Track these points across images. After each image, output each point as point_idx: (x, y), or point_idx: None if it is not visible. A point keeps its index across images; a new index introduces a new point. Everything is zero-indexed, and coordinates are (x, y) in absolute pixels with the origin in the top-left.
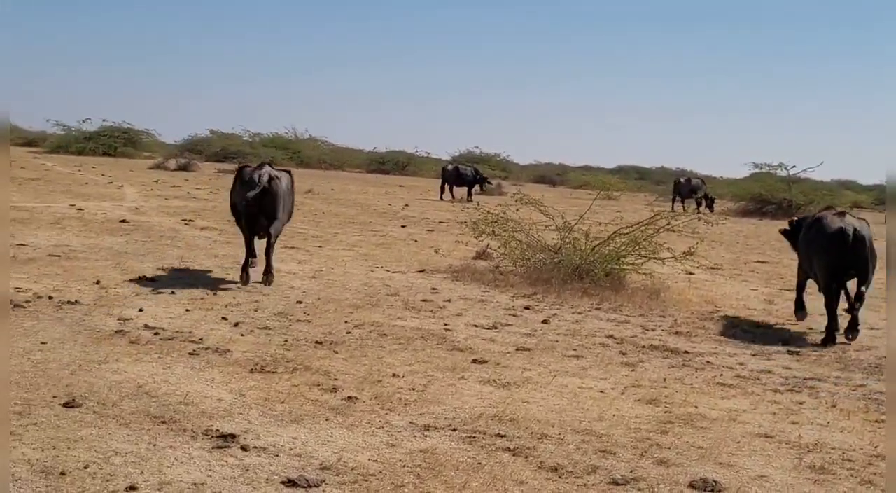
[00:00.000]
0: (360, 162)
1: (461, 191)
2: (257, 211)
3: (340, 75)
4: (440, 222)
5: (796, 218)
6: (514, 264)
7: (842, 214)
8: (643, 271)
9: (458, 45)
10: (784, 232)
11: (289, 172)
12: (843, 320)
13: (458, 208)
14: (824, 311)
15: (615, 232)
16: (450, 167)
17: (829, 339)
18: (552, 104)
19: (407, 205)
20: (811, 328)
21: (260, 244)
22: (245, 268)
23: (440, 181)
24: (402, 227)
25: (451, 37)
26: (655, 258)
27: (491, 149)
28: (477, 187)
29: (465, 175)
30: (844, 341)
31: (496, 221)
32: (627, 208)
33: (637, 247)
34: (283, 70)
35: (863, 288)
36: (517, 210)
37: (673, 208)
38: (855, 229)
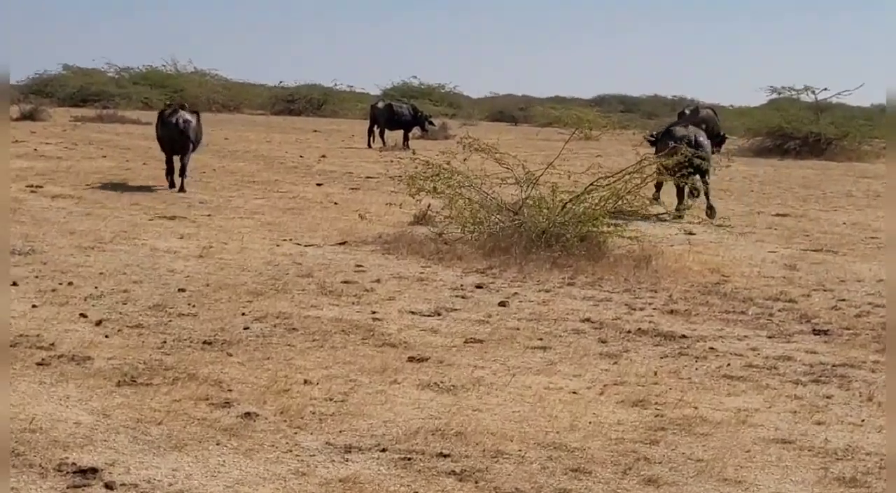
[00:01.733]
0: (262, 101)
1: (395, 135)
2: (175, 145)
3: None
4: (367, 178)
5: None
6: (463, 230)
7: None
8: (628, 233)
9: None
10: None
11: (196, 113)
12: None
13: (391, 159)
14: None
15: (591, 184)
16: (380, 105)
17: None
18: (511, 19)
19: (324, 156)
20: (843, 300)
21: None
22: (170, 179)
23: (367, 124)
24: (318, 185)
25: None
26: (643, 216)
27: (433, 79)
28: (416, 130)
29: (399, 115)
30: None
31: (438, 175)
32: (610, 151)
33: (620, 202)
34: None
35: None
36: (465, 159)
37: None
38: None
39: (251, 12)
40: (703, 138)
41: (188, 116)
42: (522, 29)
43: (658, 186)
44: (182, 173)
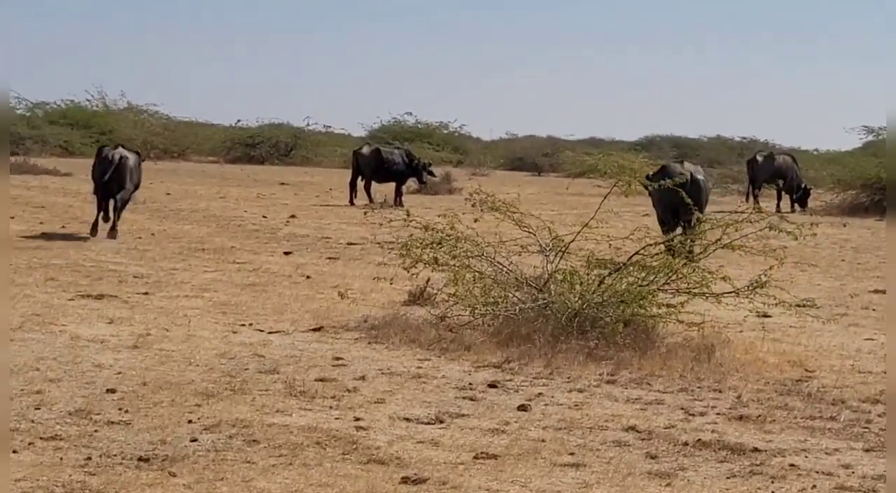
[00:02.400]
0: (214, 145)
1: (384, 189)
2: (110, 183)
3: (178, 10)
4: (349, 245)
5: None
6: (472, 313)
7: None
8: (685, 316)
9: None
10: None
11: (138, 153)
12: None
13: (379, 220)
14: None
15: (637, 252)
16: (365, 150)
17: None
18: (532, 40)
19: (293, 216)
20: None
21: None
22: (95, 225)
23: (349, 174)
24: (286, 254)
25: None
26: (705, 294)
27: (434, 116)
28: (411, 182)
29: (389, 163)
30: None
31: (440, 242)
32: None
33: (675, 277)
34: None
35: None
36: (476, 220)
37: (749, 200)
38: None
39: (199, 33)
40: (701, 177)
41: (127, 153)
42: (546, 53)
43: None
44: (116, 213)
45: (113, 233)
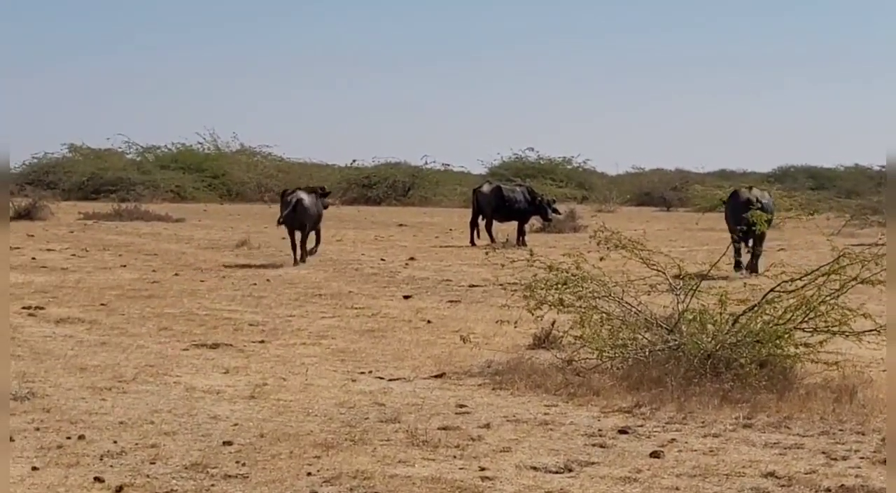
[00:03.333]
0: (330, 186)
1: (506, 228)
2: (291, 222)
3: (290, 49)
4: (470, 287)
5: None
6: (600, 356)
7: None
8: (824, 355)
9: None
10: None
11: (317, 192)
12: None
13: (501, 261)
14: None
15: (772, 290)
16: (485, 188)
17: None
18: (655, 68)
19: (412, 258)
20: None
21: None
22: (294, 258)
23: (469, 214)
24: (405, 298)
25: None
26: (845, 332)
27: (556, 151)
28: (534, 220)
29: (511, 201)
30: None
31: (565, 282)
32: (797, 244)
33: (813, 315)
34: (193, 41)
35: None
36: (602, 259)
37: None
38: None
39: (312, 70)
40: (766, 201)
41: (303, 195)
42: (672, 83)
43: (737, 251)
44: (302, 246)
45: (315, 248)
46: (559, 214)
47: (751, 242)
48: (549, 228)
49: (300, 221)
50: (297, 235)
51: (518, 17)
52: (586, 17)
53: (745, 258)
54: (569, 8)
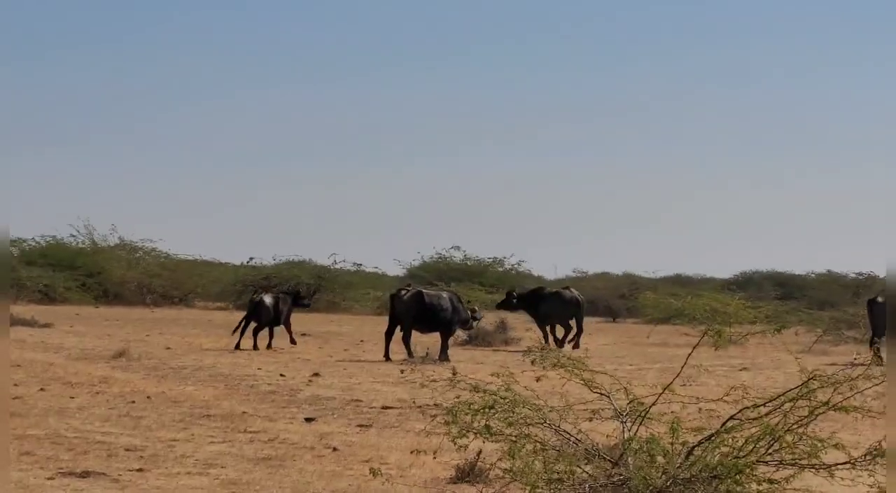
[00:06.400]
0: (222, 289)
1: (428, 339)
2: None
3: (177, 131)
4: (384, 408)
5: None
6: (533, 492)
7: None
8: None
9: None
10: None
11: (286, 293)
12: None
13: (420, 379)
14: None
15: (733, 417)
16: (404, 294)
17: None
18: (606, 167)
19: (316, 374)
20: None
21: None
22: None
23: (385, 323)
24: (308, 421)
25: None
26: (815, 466)
27: (486, 251)
28: (459, 332)
29: (435, 308)
30: None
31: (493, 406)
32: (761, 363)
33: (778, 446)
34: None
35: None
36: (538, 379)
37: (873, 352)
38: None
39: (204, 155)
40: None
41: (266, 297)
42: (619, 175)
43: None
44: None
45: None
46: (477, 319)
47: None
48: (476, 342)
49: (258, 321)
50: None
51: (444, 88)
52: (527, 96)
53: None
54: (509, 83)
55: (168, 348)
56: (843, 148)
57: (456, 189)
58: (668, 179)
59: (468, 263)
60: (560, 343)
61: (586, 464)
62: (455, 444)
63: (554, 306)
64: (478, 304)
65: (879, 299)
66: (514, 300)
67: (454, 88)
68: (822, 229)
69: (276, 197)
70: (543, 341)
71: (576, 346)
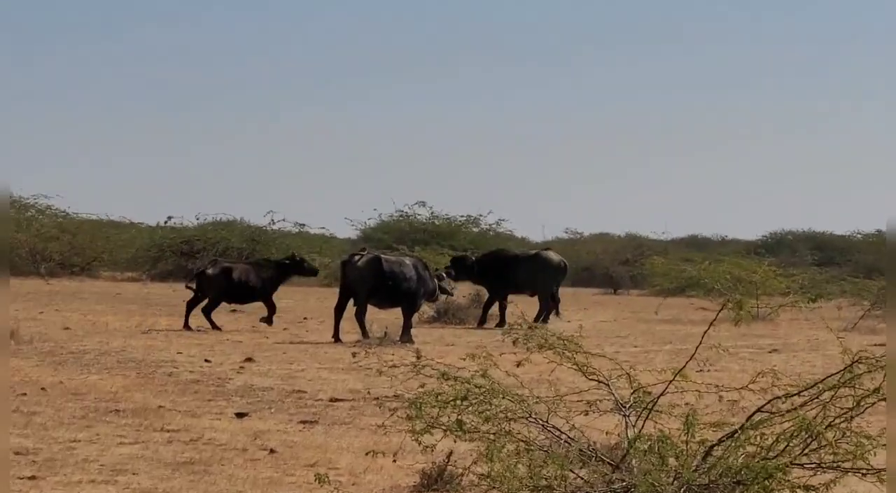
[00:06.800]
0: (134, 254)
1: (386, 316)
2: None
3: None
4: (333, 401)
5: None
6: None
7: None
8: None
9: None
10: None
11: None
12: None
13: (376, 364)
14: None
15: (760, 409)
16: (357, 259)
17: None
18: (601, 102)
19: (250, 359)
20: None
21: None
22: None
23: (336, 295)
24: (239, 417)
25: None
26: (862, 470)
27: (458, 208)
28: (425, 306)
29: (395, 277)
30: None
31: (466, 397)
32: (795, 342)
33: (816, 445)
34: None
35: None
36: (521, 363)
37: None
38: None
39: (112, 95)
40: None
41: (211, 266)
42: (620, 117)
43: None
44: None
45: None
46: (450, 292)
47: None
48: (446, 318)
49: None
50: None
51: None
52: (510, 19)
53: None
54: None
55: (67, 329)
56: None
57: (421, 133)
58: (679, 122)
59: (436, 222)
60: (544, 318)
61: (581, 468)
62: (420, 444)
63: (533, 273)
64: (443, 270)
65: None
66: (471, 267)
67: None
68: (871, 181)
69: (199, 144)
70: (501, 321)
71: (545, 321)
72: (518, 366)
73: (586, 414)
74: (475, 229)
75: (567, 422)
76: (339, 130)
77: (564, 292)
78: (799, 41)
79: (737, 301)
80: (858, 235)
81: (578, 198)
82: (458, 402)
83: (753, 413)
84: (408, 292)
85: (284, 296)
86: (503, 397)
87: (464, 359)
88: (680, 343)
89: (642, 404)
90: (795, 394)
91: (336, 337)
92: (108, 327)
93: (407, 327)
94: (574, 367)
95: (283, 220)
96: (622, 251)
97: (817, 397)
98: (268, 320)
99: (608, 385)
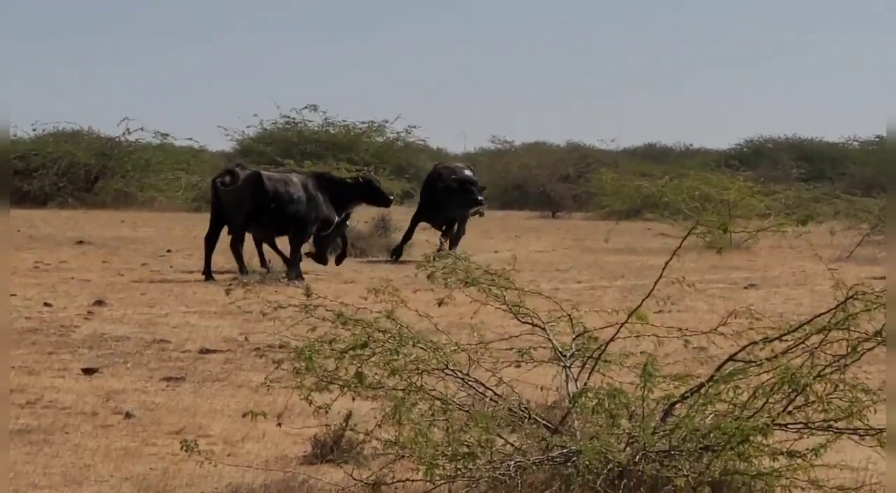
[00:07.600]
0: None
1: (267, 247)
2: None
3: None
4: (204, 353)
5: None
6: (430, 475)
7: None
8: (822, 472)
9: None
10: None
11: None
12: None
13: (259, 303)
14: None
15: (733, 357)
16: (230, 177)
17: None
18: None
19: (101, 302)
20: None
21: None
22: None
23: (207, 221)
24: (87, 373)
25: None
26: (859, 431)
27: (358, 113)
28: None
29: (281, 198)
30: None
31: (368, 345)
32: (777, 276)
33: (803, 401)
34: None
35: None
36: (440, 303)
37: None
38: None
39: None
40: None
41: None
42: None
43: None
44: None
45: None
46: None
47: None
48: (358, 254)
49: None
50: None
51: None
52: None
53: None
54: None
55: None
56: None
57: (312, 19)
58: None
59: (331, 130)
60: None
61: (511, 431)
62: (310, 403)
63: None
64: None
65: None
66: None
67: None
68: (869, 76)
69: (37, 37)
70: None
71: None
72: (438, 306)
73: (518, 366)
74: (379, 139)
75: (494, 375)
76: (212, 18)
77: (491, 217)
78: None
79: (721, 224)
80: (854, 143)
81: (508, 101)
82: (359, 351)
83: (724, 362)
84: (295, 217)
85: (142, 224)
86: (414, 345)
87: (365, 298)
88: (634, 278)
89: (587, 352)
90: (777, 339)
91: (207, 273)
92: None
93: (294, 260)
94: (503, 307)
95: (142, 129)
96: (562, 165)
97: (803, 343)
98: (339, 257)
99: (545, 330)
